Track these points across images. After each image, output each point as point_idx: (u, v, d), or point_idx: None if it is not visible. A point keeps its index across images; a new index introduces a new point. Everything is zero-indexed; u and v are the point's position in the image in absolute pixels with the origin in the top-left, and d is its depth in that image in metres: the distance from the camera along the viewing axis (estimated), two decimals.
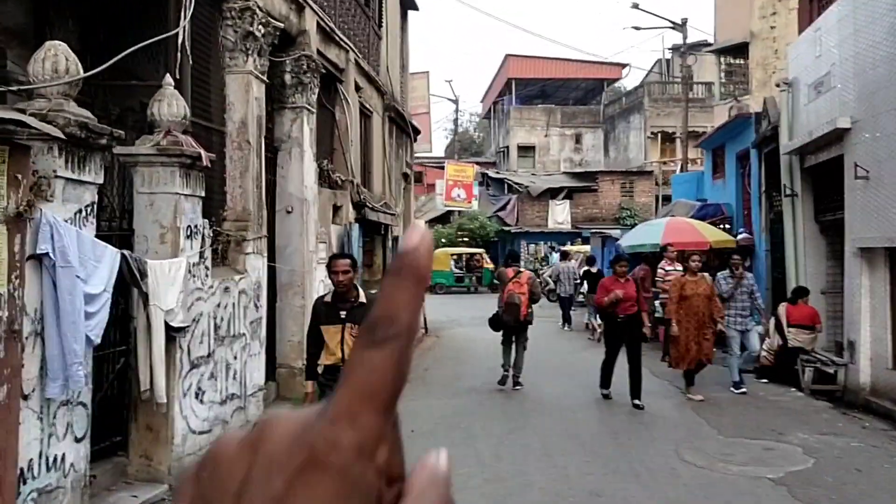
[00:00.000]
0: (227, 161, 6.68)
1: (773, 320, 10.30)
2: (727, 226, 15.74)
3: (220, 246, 6.35)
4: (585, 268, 20.09)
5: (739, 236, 14.44)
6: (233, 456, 0.33)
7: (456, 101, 34.18)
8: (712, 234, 14.18)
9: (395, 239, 13.71)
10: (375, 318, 0.32)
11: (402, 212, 14.80)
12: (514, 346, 9.49)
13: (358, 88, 11.16)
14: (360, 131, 11.70)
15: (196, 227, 5.63)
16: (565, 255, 19.41)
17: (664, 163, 33.43)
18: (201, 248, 5.69)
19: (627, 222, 31.54)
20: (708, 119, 33.53)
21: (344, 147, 10.37)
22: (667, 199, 32.95)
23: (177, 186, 5.37)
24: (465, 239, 31.60)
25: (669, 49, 37.03)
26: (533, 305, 9.42)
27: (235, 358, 6.36)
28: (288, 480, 0.30)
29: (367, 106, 12.00)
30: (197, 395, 5.64)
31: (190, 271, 5.48)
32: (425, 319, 17.14)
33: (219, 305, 6.00)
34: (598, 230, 25.44)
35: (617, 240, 17.90)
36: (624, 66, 39.93)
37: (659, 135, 33.62)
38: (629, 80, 43.18)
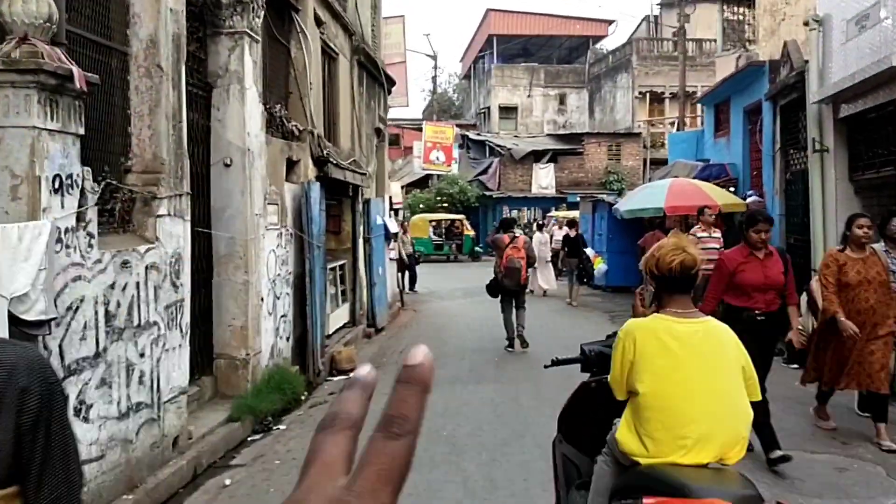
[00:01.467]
0: (131, 93, 4.99)
1: (804, 298, 8.76)
2: (732, 188, 14.28)
3: (120, 205, 4.70)
4: (565, 231, 18.72)
5: (749, 199, 12.99)
6: None
7: (434, 57, 32.20)
8: (721, 196, 12.71)
9: (367, 202, 12.09)
10: (392, 416, 0.42)
11: (374, 172, 13.14)
12: (514, 309, 9.82)
13: (319, 22, 9.42)
14: (324, 75, 9.98)
15: (71, 177, 3.98)
16: (541, 227, 18.54)
17: (652, 123, 31.90)
18: (80, 207, 4.04)
19: (614, 187, 30.08)
20: (699, 78, 31.94)
21: (301, 91, 8.67)
22: (655, 162, 31.50)
23: (35, 118, 3.71)
24: (445, 205, 29.91)
25: (658, 4, 35.29)
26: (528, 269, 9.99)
27: (143, 355, 4.76)
28: None
29: (332, 45, 10.26)
30: (77, 413, 4.04)
31: (61, 240, 3.85)
32: (401, 292, 15.59)
33: (112, 286, 4.38)
34: (585, 194, 23.93)
35: (612, 204, 16.41)
36: (610, 22, 38.13)
37: (648, 94, 32.03)
38: (615, 39, 41.43)
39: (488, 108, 37.71)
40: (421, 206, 29.99)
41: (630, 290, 17.36)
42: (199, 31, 6.49)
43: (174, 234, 5.18)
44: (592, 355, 3.38)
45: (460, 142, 32.85)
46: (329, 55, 10.31)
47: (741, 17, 21.54)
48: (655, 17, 35.49)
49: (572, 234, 15.79)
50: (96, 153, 4.63)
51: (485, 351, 10.01)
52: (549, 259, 17.22)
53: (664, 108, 32.44)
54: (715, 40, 32.27)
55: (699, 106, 21.89)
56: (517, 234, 10.27)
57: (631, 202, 13.58)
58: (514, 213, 31.51)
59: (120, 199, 4.67)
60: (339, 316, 10.95)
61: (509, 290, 9.66)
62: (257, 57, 6.99)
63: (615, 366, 2.82)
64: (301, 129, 8.55)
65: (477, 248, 28.40)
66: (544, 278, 16.84)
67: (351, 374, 0.47)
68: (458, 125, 33.64)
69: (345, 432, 0.43)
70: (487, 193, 30.22)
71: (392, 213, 16.66)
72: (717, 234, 10.67)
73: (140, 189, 4.88)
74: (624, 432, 2.73)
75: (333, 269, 11.00)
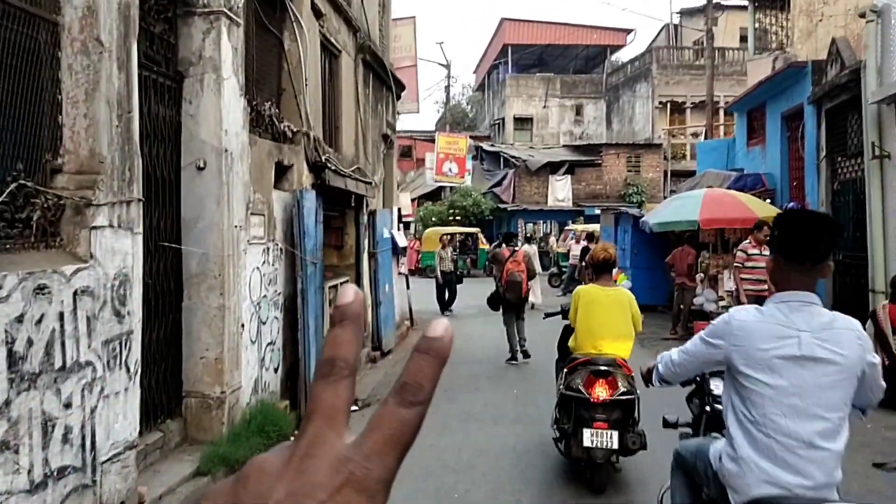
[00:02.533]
0: (63, 73, 3.98)
1: (869, 326, 7.55)
2: (768, 200, 13.16)
3: (40, 214, 3.67)
4: (583, 245, 18.25)
5: None
6: (275, 473, 0.41)
7: (448, 66, 31.19)
8: (760, 208, 11.58)
9: (372, 214, 11.06)
10: (407, 383, 0.43)
11: (381, 181, 12.13)
12: (515, 322, 9.96)
13: (318, 14, 8.43)
14: (324, 72, 8.98)
15: None
16: (529, 239, 17.84)
17: (673, 134, 30.75)
18: None
19: (633, 199, 28.94)
20: (722, 87, 30.81)
21: (296, 87, 7.66)
22: (677, 174, 30.34)
23: None
24: (458, 217, 28.82)
25: (678, 13, 34.26)
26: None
27: (69, 406, 3.72)
28: (329, 495, 0.40)
29: (334, 42, 9.27)
30: None
31: None
32: (411, 310, 14.52)
33: (20, 319, 3.34)
34: (607, 207, 22.82)
35: (637, 217, 15.30)
36: (628, 31, 37.10)
37: (668, 104, 30.89)
38: (633, 49, 40.27)
39: (503, 119, 36.73)
40: (433, 218, 28.94)
41: (657, 310, 16.23)
42: (168, 10, 5.50)
43: (118, 250, 4.14)
44: (567, 309, 5.66)
45: (474, 153, 31.86)
46: (330, 51, 9.32)
47: (771, 21, 20.43)
48: (675, 25, 34.46)
49: (591, 245, 14.74)
50: (14, 148, 3.63)
51: (501, 381, 8.91)
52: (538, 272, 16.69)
53: (685, 118, 31.31)
54: (738, 49, 31.17)
55: (725, 115, 20.72)
56: (516, 248, 10.52)
57: (661, 215, 12.46)
58: (530, 227, 30.45)
59: (40, 207, 3.64)
60: None
61: (511, 303, 9.82)
62: (238, 42, 5.98)
63: (571, 310, 5.35)
64: (295, 130, 7.54)
65: (490, 262, 27.30)
66: (533, 291, 16.13)
67: (336, 304, 0.46)
68: (471, 137, 32.60)
69: (343, 381, 0.44)
70: (502, 206, 29.16)
71: (401, 226, 15.65)
72: (767, 252, 9.54)
73: (70, 193, 3.85)
74: (571, 340, 5.34)
75: (334, 287, 9.97)
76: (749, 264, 8.89)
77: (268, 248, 6.70)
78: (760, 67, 15.53)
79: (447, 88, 31.64)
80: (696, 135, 31.26)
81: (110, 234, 4.06)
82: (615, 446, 4.66)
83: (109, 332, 4.06)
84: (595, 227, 20.23)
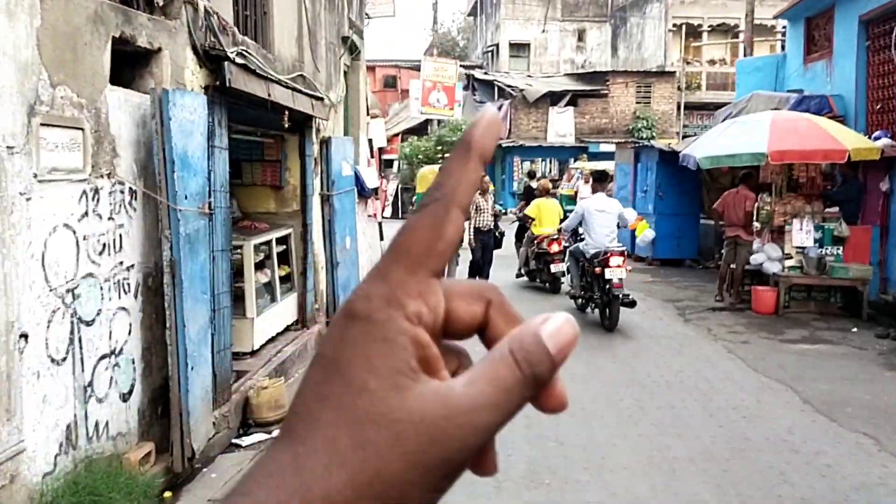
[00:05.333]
0: None
1: None
2: None
3: None
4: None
5: (879, 142, 8.98)
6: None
7: None
8: (848, 139, 8.69)
9: (325, 143, 8.11)
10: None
11: (340, 99, 9.08)
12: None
13: None
14: None
15: None
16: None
17: (688, 61, 27.48)
18: None
19: (643, 134, 25.87)
20: (741, 8, 27.40)
21: None
22: (691, 107, 27.25)
23: None
24: (447, 155, 25.57)
25: None
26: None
27: None
28: (331, 330, 0.34)
29: None
30: None
31: None
32: None
33: None
34: (619, 141, 19.82)
35: (666, 151, 12.35)
36: None
37: (683, 27, 27.48)
38: None
39: (496, 45, 33.22)
40: (419, 156, 25.81)
41: (684, 265, 13.46)
42: None
43: None
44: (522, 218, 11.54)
45: (465, 82, 28.53)
46: None
47: None
48: None
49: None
50: None
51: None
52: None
53: (700, 46, 27.97)
54: None
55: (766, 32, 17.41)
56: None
57: (711, 146, 9.49)
58: (528, 165, 27.42)
59: None
60: (275, 316, 7.08)
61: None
62: None
63: (531, 213, 11.02)
64: None
65: (498, 207, 23.92)
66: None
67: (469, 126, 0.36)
68: (462, 66, 29.14)
69: (453, 210, 0.34)
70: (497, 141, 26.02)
71: (374, 161, 12.69)
72: None
73: None
74: (534, 227, 10.79)
75: (266, 244, 7.09)
76: None
77: (95, 190, 3.77)
78: None
79: (434, 6, 27.90)
80: (713, 62, 28.02)
81: None
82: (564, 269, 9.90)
83: None
84: (606, 164, 17.31)
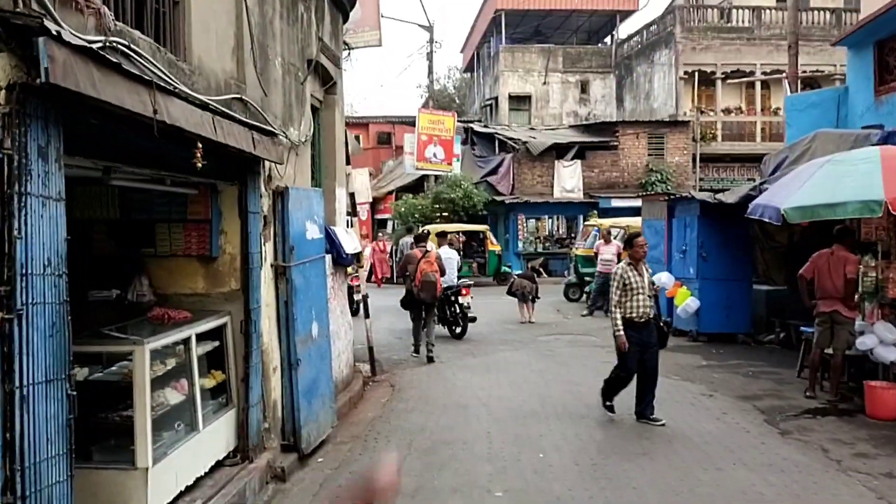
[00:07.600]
0: None
1: None
2: None
3: None
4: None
5: None
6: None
7: (430, 29, 25.58)
8: None
9: (281, 194, 5.86)
10: None
11: (304, 140, 6.86)
12: (425, 322, 10.01)
13: None
14: None
15: None
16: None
17: (702, 111, 25.61)
18: None
19: (657, 188, 23.78)
20: (758, 54, 25.75)
21: None
22: (707, 159, 25.26)
23: None
24: (445, 213, 23.45)
25: None
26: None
27: None
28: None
29: None
30: None
31: None
32: (371, 352, 9.31)
33: None
34: (643, 194, 17.70)
35: (710, 203, 10.13)
36: None
37: (695, 74, 25.70)
38: (645, 16, 34.87)
39: (495, 98, 31.50)
40: (415, 214, 23.62)
41: (737, 341, 11.08)
42: None
43: None
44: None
45: (463, 136, 26.63)
46: None
47: None
48: None
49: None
50: None
51: None
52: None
53: (714, 93, 26.17)
54: (776, 8, 26.10)
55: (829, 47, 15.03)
56: (428, 249, 10.37)
57: (798, 194, 7.21)
58: (533, 223, 25.27)
59: None
60: (193, 454, 4.69)
61: (425, 302, 9.89)
62: None
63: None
64: None
65: (505, 268, 21.62)
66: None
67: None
68: (460, 121, 27.25)
69: None
70: (498, 198, 23.91)
71: (354, 220, 10.46)
72: None
73: None
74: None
75: (184, 342, 4.76)
76: None
77: None
78: None
79: (430, 55, 26.10)
80: (728, 110, 26.17)
81: None
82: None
83: None
84: (631, 221, 15.08)
